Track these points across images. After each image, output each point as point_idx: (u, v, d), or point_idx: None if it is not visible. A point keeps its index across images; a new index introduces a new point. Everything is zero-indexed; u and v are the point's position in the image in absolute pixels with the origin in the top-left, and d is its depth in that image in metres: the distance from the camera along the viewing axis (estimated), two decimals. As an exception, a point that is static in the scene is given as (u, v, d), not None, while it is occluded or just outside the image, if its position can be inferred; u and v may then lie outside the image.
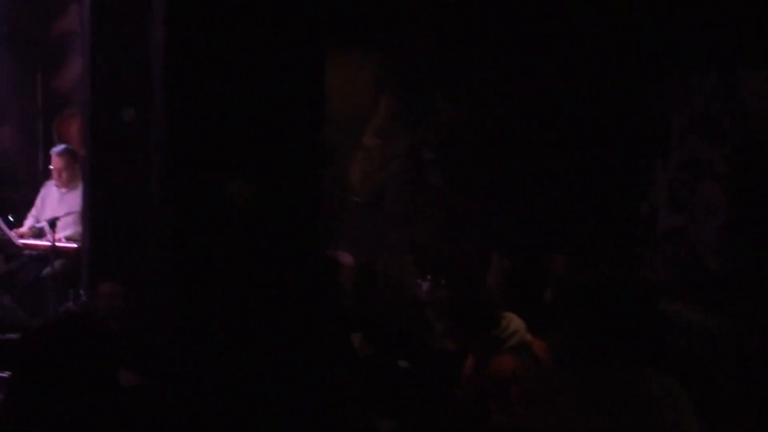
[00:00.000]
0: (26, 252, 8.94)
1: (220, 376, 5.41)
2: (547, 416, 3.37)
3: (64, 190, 9.16)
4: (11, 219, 9.50)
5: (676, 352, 5.88)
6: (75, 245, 8.58)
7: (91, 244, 7.73)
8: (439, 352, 6.62)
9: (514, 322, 5.45)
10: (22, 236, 9.01)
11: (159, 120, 6.41)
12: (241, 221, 5.84)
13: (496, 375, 5.21)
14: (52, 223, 8.49)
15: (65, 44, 10.68)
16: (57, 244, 8.54)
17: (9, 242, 8.74)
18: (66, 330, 3.45)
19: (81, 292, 7.89)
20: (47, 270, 8.66)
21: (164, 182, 6.22)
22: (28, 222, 9.32)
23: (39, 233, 9.14)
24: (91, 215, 7.75)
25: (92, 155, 7.74)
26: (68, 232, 8.81)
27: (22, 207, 9.98)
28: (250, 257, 5.77)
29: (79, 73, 9.04)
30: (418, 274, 8.30)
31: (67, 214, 8.77)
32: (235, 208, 5.85)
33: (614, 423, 3.29)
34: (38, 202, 9.38)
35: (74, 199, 8.83)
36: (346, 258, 6.99)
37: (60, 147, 9.34)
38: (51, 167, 9.31)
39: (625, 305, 3.41)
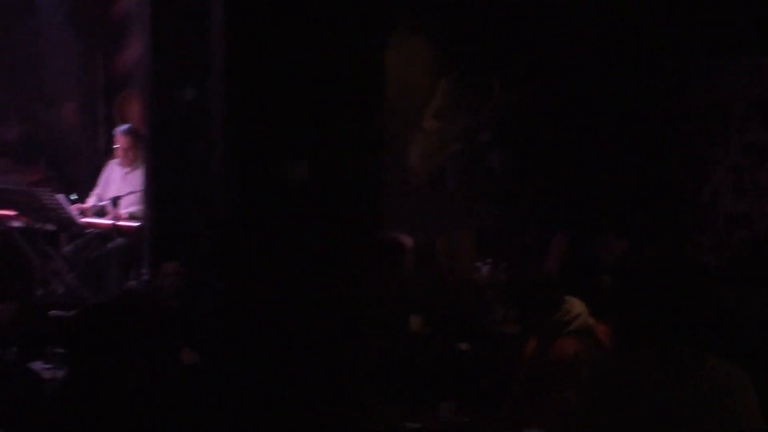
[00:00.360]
0: (89, 230, 9.01)
1: (274, 354, 5.43)
2: (609, 401, 3.35)
3: (127, 169, 9.22)
4: (74, 197, 9.59)
5: (737, 339, 5.80)
6: (137, 224, 8.65)
7: (152, 222, 7.79)
8: (499, 335, 6.61)
9: (576, 305, 5.44)
10: (84, 215, 9.09)
11: (219, 99, 6.46)
12: (300, 201, 5.86)
13: (558, 358, 5.20)
14: (115, 202, 8.57)
15: (126, 25, 10.74)
16: (119, 222, 8.61)
17: (72, 221, 8.82)
18: (127, 308, 3.47)
19: (142, 270, 7.95)
20: (109, 248, 8.73)
21: (224, 161, 6.26)
22: (91, 200, 9.40)
23: (101, 212, 9.22)
24: (153, 194, 7.81)
25: (153, 135, 7.80)
26: (131, 211, 8.87)
27: (84, 186, 10.08)
28: (309, 237, 5.79)
29: (139, 54, 9.10)
30: (478, 256, 8.27)
31: (130, 192, 8.84)
32: (294, 188, 5.87)
33: (676, 409, 3.26)
34: (101, 180, 9.45)
35: (137, 178, 8.91)
36: (406, 240, 6.97)
37: (125, 126, 9.40)
38: (115, 146, 9.37)
39: (686, 290, 3.38)
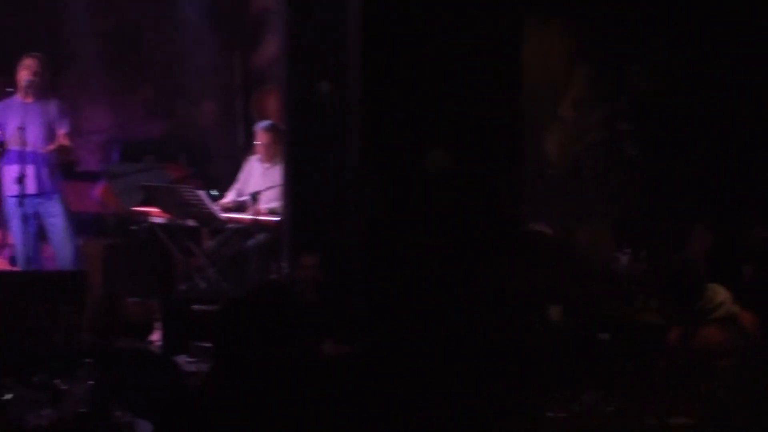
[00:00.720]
0: (229, 226, 9.15)
1: (417, 346, 5.44)
2: (754, 389, 3.28)
3: (267, 164, 9.33)
4: (214, 194, 9.76)
5: None
6: (277, 218, 8.74)
7: (292, 217, 7.85)
8: (639, 325, 6.51)
9: (720, 292, 5.34)
10: (224, 210, 9.22)
11: (356, 93, 6.49)
12: (439, 192, 5.85)
13: (702, 347, 5.11)
14: (255, 197, 8.68)
15: (263, 21, 10.87)
16: (259, 217, 8.72)
17: (213, 216, 8.96)
18: (267, 301, 3.50)
19: (282, 264, 8.04)
20: (250, 243, 8.86)
21: (362, 154, 6.29)
22: (230, 196, 9.54)
23: (240, 207, 9.36)
24: (292, 189, 7.87)
25: (291, 130, 7.86)
26: (270, 206, 8.98)
27: (224, 182, 10.25)
28: (448, 228, 5.78)
29: (276, 50, 9.19)
30: (617, 246, 8.17)
31: (270, 188, 8.94)
32: (432, 180, 5.86)
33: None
34: (241, 176, 9.59)
35: (276, 174, 9.00)
36: (545, 231, 6.92)
37: (266, 122, 9.50)
38: (255, 142, 9.49)
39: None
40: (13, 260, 8.89)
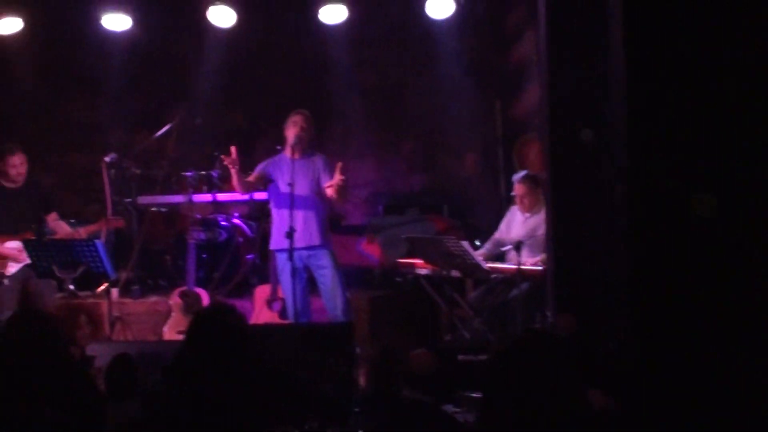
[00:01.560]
0: (493, 276, 9.16)
1: (691, 398, 5.27)
2: None
3: (527, 214, 9.33)
4: (477, 244, 9.81)
5: None
6: (540, 268, 8.71)
7: (555, 266, 7.78)
8: None
9: None
10: (486, 260, 9.24)
11: (620, 141, 6.38)
12: (709, 239, 5.67)
13: None
14: (518, 247, 8.67)
15: (522, 71, 10.91)
16: (522, 267, 8.70)
17: (477, 267, 8.99)
18: (532, 350, 3.48)
19: (547, 314, 7.97)
20: (514, 293, 8.84)
21: (628, 204, 6.17)
22: (490, 245, 9.58)
23: (501, 257, 9.38)
24: (555, 238, 7.81)
25: (553, 179, 7.80)
26: (533, 256, 8.96)
27: (485, 232, 10.29)
28: (721, 278, 5.58)
29: (536, 99, 9.19)
30: None
31: (531, 237, 8.93)
32: (702, 225, 5.69)
33: None
34: (502, 226, 9.61)
35: (537, 223, 9.00)
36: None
37: (521, 173, 9.51)
38: (513, 193, 9.50)
39: None
40: (282, 313, 9.17)
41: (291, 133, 9.01)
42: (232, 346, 4.52)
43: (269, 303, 9.26)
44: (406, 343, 7.49)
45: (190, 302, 9.35)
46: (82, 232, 9.59)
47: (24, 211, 9.55)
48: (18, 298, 9.37)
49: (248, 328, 4.77)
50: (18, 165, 9.56)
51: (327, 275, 8.98)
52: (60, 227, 9.59)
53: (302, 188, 8.90)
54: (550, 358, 3.44)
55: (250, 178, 9.13)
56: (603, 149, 7.25)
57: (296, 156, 8.95)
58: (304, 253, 8.93)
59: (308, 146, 9.11)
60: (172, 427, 4.41)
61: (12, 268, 9.30)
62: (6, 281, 9.42)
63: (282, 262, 8.92)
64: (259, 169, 9.19)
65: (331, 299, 8.98)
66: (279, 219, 9.01)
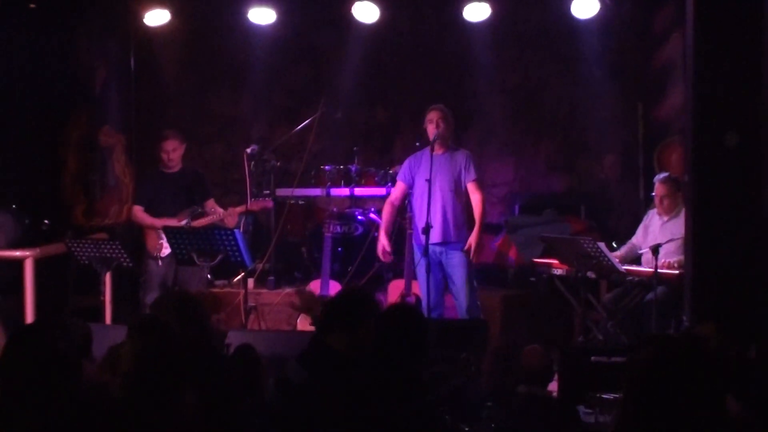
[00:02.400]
0: (629, 278, 9.08)
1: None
2: None
3: (665, 217, 9.23)
4: (614, 246, 9.73)
5: None
6: (677, 272, 8.59)
7: (693, 271, 7.66)
8: None
9: None
10: (622, 262, 9.16)
11: (765, 144, 6.27)
12: None
13: None
14: (655, 250, 8.56)
15: (666, 73, 10.76)
16: (660, 270, 8.59)
17: (613, 269, 8.92)
18: (679, 356, 3.46)
19: (683, 318, 7.86)
20: (650, 296, 8.74)
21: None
22: (627, 248, 9.49)
23: (637, 260, 9.28)
24: (694, 242, 7.69)
25: (695, 182, 7.69)
26: (671, 259, 8.84)
27: (622, 234, 10.20)
28: None
29: (679, 103, 9.07)
30: None
31: (669, 241, 8.81)
32: None
33: None
34: (640, 229, 9.52)
35: (676, 227, 8.88)
36: None
37: (662, 175, 9.41)
38: (653, 195, 9.41)
39: None
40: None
41: (429, 129, 9.09)
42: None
43: (403, 298, 9.32)
44: (538, 342, 7.46)
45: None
46: (233, 211, 9.81)
47: (179, 195, 9.81)
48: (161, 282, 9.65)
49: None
50: (170, 151, 9.82)
51: (457, 274, 9.05)
52: (216, 212, 9.79)
53: (441, 184, 8.97)
54: (696, 365, 3.43)
55: (393, 199, 9.41)
56: (748, 153, 7.13)
57: (437, 151, 9.02)
58: (438, 248, 8.99)
59: (450, 141, 9.17)
60: (313, 415, 4.52)
61: (167, 250, 9.55)
62: (160, 263, 9.70)
63: (418, 257, 9.00)
64: (398, 180, 9.44)
65: (462, 296, 9.04)
66: (418, 214, 9.09)
